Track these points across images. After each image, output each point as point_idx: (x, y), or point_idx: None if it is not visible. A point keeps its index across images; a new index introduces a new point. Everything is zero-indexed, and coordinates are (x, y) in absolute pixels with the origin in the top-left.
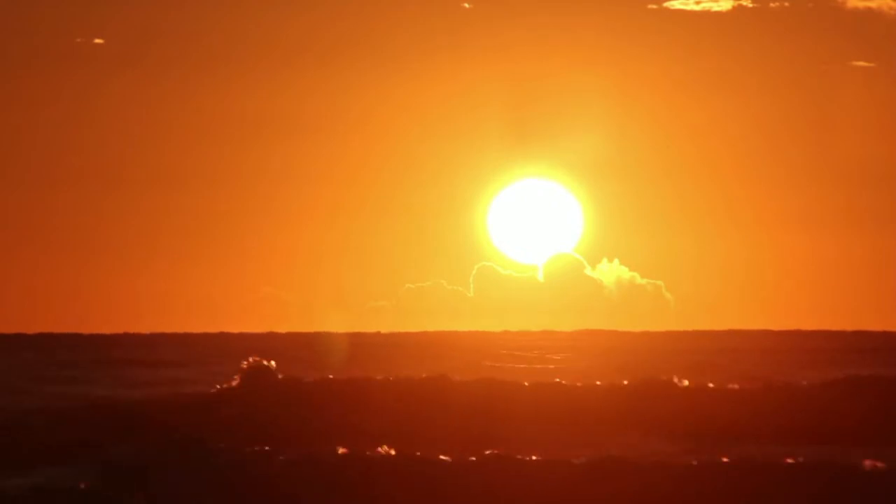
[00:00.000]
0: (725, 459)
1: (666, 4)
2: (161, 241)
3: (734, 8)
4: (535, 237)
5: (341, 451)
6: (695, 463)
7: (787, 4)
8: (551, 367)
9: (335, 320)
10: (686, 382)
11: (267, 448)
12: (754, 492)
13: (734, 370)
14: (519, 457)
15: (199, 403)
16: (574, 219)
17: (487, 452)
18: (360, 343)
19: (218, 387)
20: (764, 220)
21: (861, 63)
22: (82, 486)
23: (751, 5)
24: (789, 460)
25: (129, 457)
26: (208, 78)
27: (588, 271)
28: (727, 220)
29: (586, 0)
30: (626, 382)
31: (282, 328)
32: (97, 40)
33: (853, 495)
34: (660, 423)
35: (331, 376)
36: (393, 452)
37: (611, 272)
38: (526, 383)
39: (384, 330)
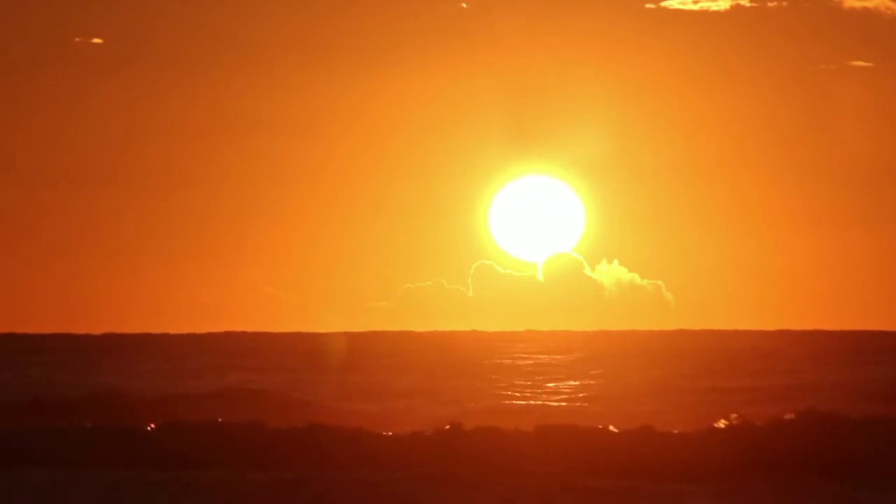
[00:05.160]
0: None
1: (664, 4)
2: (160, 241)
3: (732, 7)
4: (535, 234)
5: None
6: None
7: (784, 4)
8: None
9: (335, 320)
10: None
11: None
12: None
13: None
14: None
15: None
16: (574, 217)
17: None
18: (359, 343)
19: None
20: (763, 219)
21: (859, 63)
22: None
23: (749, 5)
24: None
25: None
26: (207, 77)
27: (588, 272)
28: (727, 219)
29: None
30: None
31: (281, 328)
32: (96, 40)
33: None
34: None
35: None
36: None
37: (610, 273)
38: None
39: (384, 329)
